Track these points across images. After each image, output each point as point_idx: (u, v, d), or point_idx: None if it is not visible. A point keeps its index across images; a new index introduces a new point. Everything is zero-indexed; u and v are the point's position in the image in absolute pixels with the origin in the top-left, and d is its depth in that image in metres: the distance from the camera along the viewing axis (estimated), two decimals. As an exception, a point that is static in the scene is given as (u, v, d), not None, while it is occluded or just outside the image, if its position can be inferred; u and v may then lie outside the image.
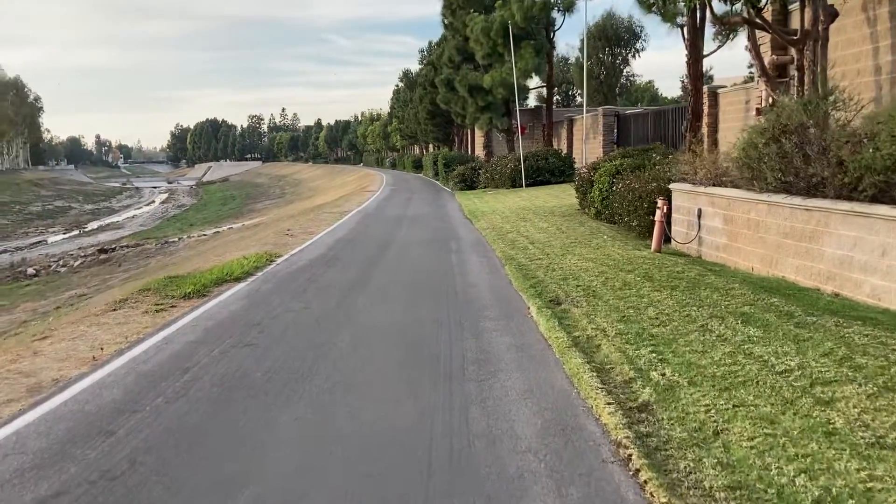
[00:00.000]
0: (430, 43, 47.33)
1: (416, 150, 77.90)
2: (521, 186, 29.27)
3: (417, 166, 60.26)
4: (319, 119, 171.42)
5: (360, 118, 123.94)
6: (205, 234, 35.29)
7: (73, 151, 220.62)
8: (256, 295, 8.60)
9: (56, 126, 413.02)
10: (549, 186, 28.40)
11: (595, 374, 5.24)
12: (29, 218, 66.14)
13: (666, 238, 11.93)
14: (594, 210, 16.98)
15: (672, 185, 12.51)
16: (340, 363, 5.82)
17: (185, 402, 4.92)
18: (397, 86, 76.77)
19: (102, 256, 33.09)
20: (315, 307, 7.90)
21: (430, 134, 55.10)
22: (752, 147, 9.17)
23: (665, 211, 11.93)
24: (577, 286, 8.72)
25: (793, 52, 13.10)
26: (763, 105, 14.97)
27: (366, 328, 7.04)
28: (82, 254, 35.11)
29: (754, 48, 13.80)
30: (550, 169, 29.87)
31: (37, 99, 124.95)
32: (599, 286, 8.69)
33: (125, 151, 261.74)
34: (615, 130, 31.80)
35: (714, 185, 10.91)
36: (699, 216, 11.21)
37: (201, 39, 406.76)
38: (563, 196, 23.20)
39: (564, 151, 34.13)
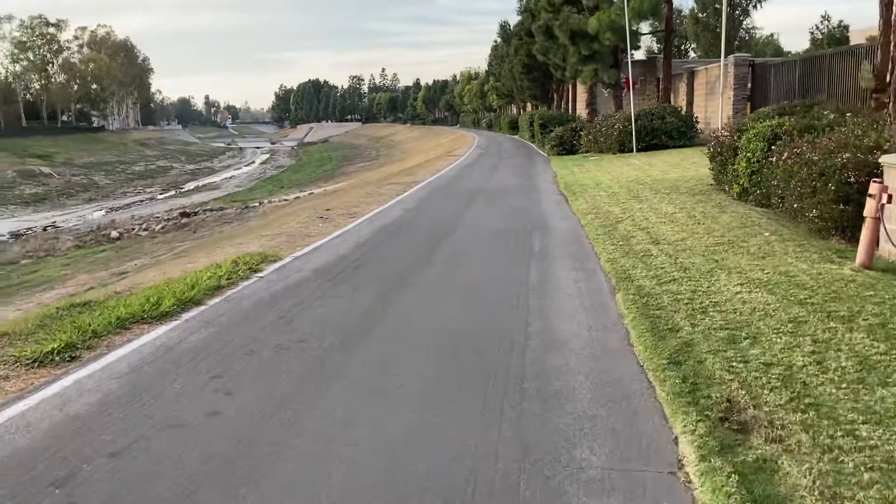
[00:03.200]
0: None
1: (514, 109, 73.05)
2: (632, 151, 24.35)
3: (513, 127, 55.82)
4: (418, 79, 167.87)
5: (457, 78, 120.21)
6: (286, 199, 33.96)
7: (184, 112, 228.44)
8: (135, 380, 4.63)
9: (167, 87, 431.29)
10: (667, 152, 23.35)
11: None
12: (130, 178, 66.98)
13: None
14: (738, 187, 12.25)
15: (885, 159, 7.79)
16: None
17: None
18: (495, 41, 71.66)
19: (183, 220, 32.37)
20: (218, 433, 3.79)
21: (527, 91, 49.99)
22: None
23: (884, 201, 7.27)
24: (763, 364, 4.44)
25: None
26: None
27: None
28: (166, 217, 34.47)
29: None
30: (668, 130, 24.70)
31: (145, 60, 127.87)
32: (810, 366, 4.37)
33: (233, 112, 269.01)
34: (749, 84, 26.08)
35: None
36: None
37: (306, 1, 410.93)
38: (688, 165, 18.30)
39: (683, 110, 28.66)
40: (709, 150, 13.99)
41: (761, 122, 12.38)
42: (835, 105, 13.78)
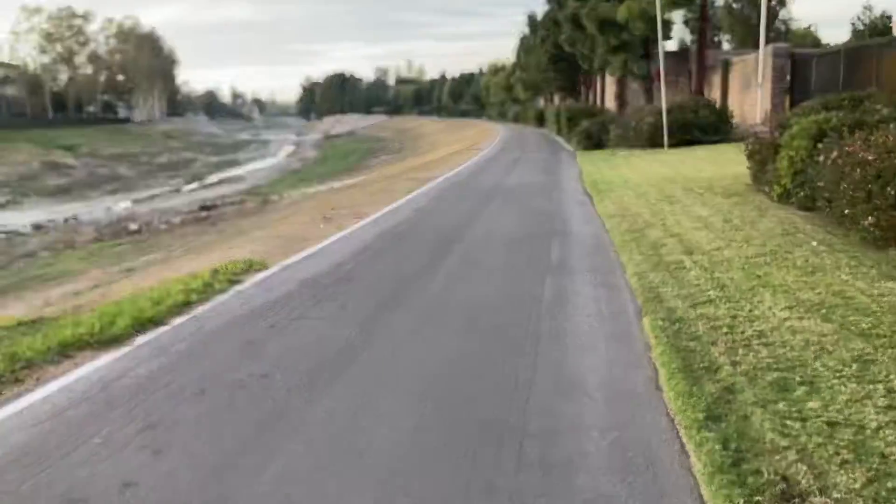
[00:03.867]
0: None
1: (541, 102, 71.72)
2: (663, 147, 23.22)
3: (540, 120, 54.56)
4: (444, 72, 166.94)
5: (483, 70, 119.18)
6: (306, 193, 33.55)
7: (210, 104, 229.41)
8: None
9: (195, 79, 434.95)
10: (700, 147, 22.19)
11: None
12: (154, 169, 67.07)
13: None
14: (779, 189, 11.20)
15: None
16: None
17: None
18: (523, 33, 70.29)
19: (203, 214, 32.26)
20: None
21: (554, 83, 48.74)
22: None
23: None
24: (827, 423, 3.51)
25: None
26: None
27: None
28: (186, 210, 34.35)
29: None
30: (701, 125, 23.50)
31: (171, 51, 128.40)
32: (888, 427, 3.45)
33: (259, 104, 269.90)
34: (788, 76, 24.73)
35: None
36: None
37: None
38: (723, 162, 17.19)
39: (717, 103, 27.35)
40: (746, 147, 12.91)
41: (806, 117, 11.32)
42: (887, 98, 12.64)
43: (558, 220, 10.51)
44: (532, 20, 61.57)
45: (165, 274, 8.87)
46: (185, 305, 5.82)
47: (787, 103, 23.99)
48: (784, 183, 10.96)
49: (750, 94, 27.92)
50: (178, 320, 5.52)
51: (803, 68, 23.81)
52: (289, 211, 23.07)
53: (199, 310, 5.82)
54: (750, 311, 5.33)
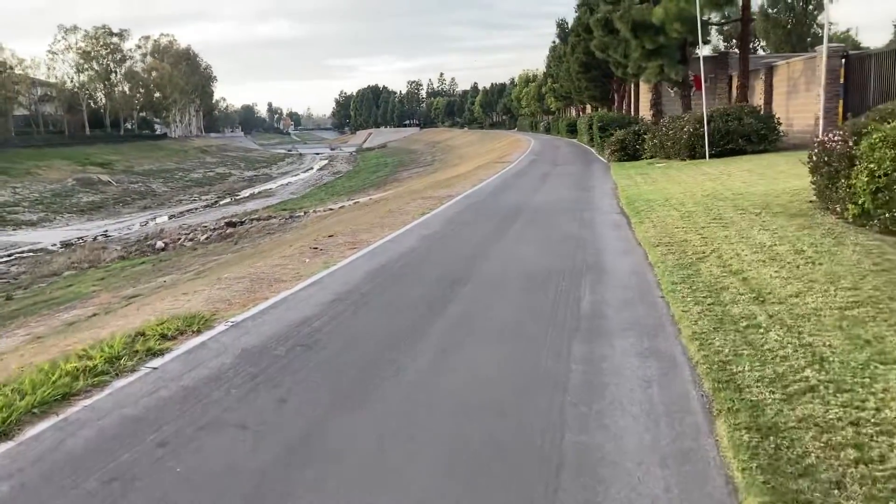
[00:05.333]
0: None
1: (573, 112, 69.89)
2: (704, 157, 21.33)
3: (572, 130, 52.86)
4: (476, 83, 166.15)
5: (515, 81, 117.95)
6: (331, 209, 33.20)
7: (247, 119, 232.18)
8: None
9: (232, 95, 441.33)
10: (745, 158, 20.26)
11: None
12: (188, 185, 67.15)
13: None
14: (855, 208, 9.39)
15: None
16: None
17: None
18: (553, 42, 68.64)
19: (228, 231, 31.88)
20: None
21: (585, 92, 46.86)
22: None
23: None
24: None
25: None
26: None
27: None
28: (214, 226, 34.03)
29: None
30: (745, 133, 21.54)
31: (207, 68, 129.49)
32: None
33: (295, 118, 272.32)
34: (841, 79, 22.61)
35: None
36: None
37: (367, 9, 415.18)
38: (774, 175, 15.32)
39: (761, 110, 25.30)
40: (810, 158, 11.05)
41: (888, 123, 9.49)
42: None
43: (590, 251, 8.80)
44: (562, 27, 59.98)
45: (158, 305, 7.46)
46: (65, 398, 4.20)
47: (841, 108, 21.92)
48: (863, 202, 9.15)
49: (796, 99, 25.82)
50: (36, 428, 3.91)
51: (860, 70, 21.74)
52: (306, 230, 21.81)
53: (80, 406, 4.20)
54: (877, 409, 3.60)
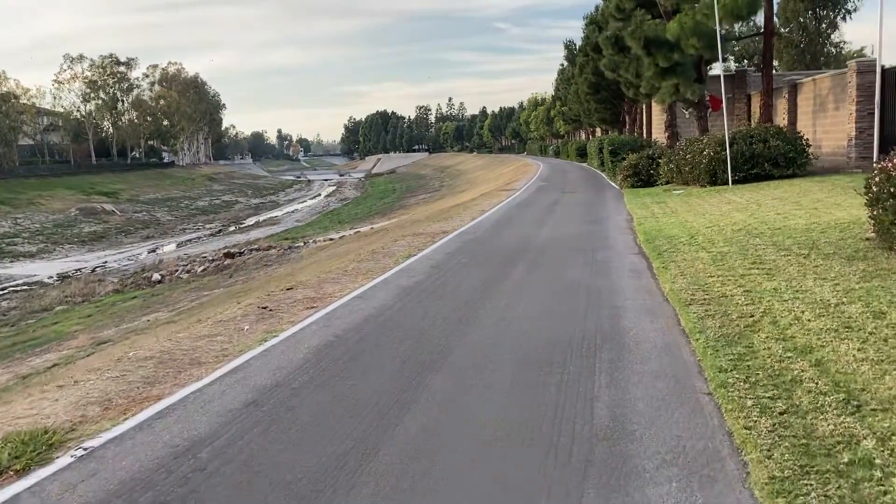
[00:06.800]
0: (596, 8, 37.65)
1: (582, 135, 68.37)
2: (727, 184, 19.48)
3: (581, 154, 51.33)
4: (484, 107, 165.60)
5: (524, 105, 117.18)
6: (332, 238, 32.26)
7: (256, 146, 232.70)
8: None
9: (241, 122, 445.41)
10: (773, 184, 18.40)
11: None
12: (193, 213, 66.16)
13: None
14: (933, 251, 7.56)
15: None
16: None
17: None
18: (561, 64, 67.38)
19: (226, 262, 30.92)
20: None
21: (595, 114, 45.25)
22: None
23: None
24: None
25: None
26: None
27: None
28: (211, 257, 33.08)
29: None
30: (772, 157, 19.68)
31: (216, 95, 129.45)
32: None
33: (305, 145, 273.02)
34: (876, 96, 20.78)
35: None
36: None
37: (376, 35, 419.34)
38: (811, 204, 13.46)
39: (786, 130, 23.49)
40: (868, 187, 9.20)
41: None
42: None
43: (605, 310, 6.95)
44: (570, 48, 58.61)
45: (18, 407, 5.74)
46: None
47: (877, 127, 20.04)
48: (946, 243, 7.35)
49: (824, 118, 24.03)
50: None
51: (894, 86, 19.94)
52: (300, 264, 20.29)
53: None
54: None
